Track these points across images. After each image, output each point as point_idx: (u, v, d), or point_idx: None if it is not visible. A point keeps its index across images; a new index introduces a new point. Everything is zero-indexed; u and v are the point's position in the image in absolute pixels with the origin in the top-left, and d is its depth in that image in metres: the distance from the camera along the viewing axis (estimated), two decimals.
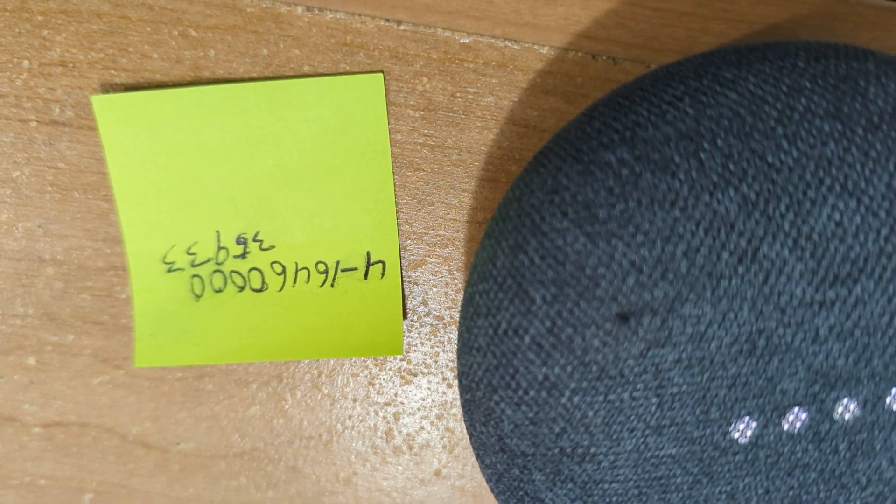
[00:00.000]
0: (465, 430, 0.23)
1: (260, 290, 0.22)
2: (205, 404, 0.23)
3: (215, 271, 0.22)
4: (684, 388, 0.16)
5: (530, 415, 0.17)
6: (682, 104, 0.16)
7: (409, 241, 0.22)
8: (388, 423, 0.23)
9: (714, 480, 0.16)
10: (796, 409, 0.15)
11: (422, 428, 0.23)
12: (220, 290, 0.22)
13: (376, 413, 0.23)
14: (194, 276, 0.22)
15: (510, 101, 0.21)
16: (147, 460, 0.24)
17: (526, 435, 0.17)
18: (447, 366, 0.23)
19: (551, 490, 0.17)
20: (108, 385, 0.23)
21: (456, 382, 0.23)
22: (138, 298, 0.22)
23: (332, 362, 0.23)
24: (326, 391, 0.23)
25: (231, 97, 0.21)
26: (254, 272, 0.22)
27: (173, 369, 0.23)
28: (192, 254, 0.22)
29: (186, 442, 0.23)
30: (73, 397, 0.23)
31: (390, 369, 0.23)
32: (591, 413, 0.16)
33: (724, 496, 0.16)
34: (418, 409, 0.23)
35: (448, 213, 0.22)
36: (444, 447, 0.23)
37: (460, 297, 0.22)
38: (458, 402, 0.23)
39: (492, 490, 0.19)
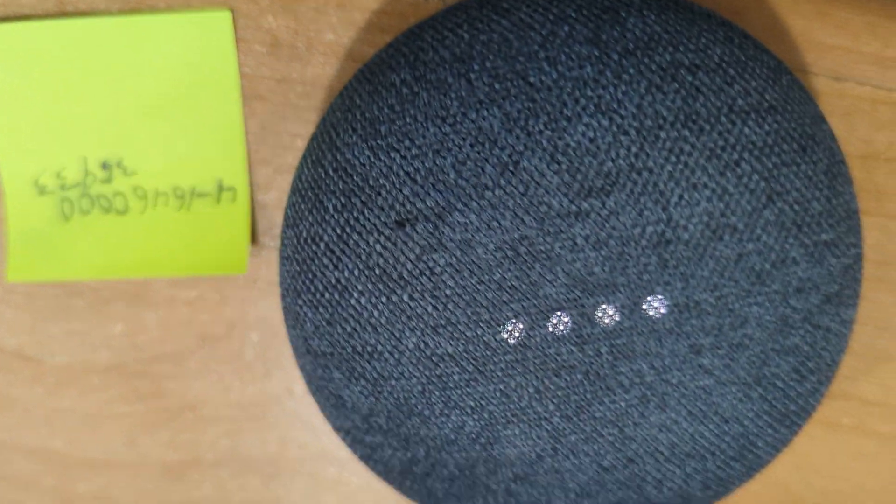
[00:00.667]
0: None
1: (123, 213, 0.24)
2: (76, 320, 0.25)
3: (83, 195, 0.24)
4: (456, 290, 0.17)
5: (326, 316, 0.18)
6: (461, 30, 0.18)
7: (258, 168, 0.24)
8: (241, 341, 0.25)
9: (488, 378, 0.17)
10: (559, 313, 0.17)
11: (272, 346, 0.25)
12: (87, 213, 0.24)
13: (231, 331, 0.25)
14: (64, 199, 0.24)
15: (349, 39, 0.23)
16: (25, 372, 0.25)
17: (324, 335, 0.18)
18: None
19: (347, 387, 0.19)
20: None
21: None
22: (12, 219, 0.24)
23: (189, 284, 0.24)
24: (185, 311, 0.25)
25: (91, 31, 0.23)
26: (118, 196, 0.24)
27: (46, 286, 0.25)
28: (62, 178, 0.24)
29: (60, 356, 0.25)
30: None
31: (242, 289, 0.24)
32: (375, 313, 0.18)
33: (498, 394, 0.17)
34: (268, 328, 0.25)
35: (294, 142, 0.23)
36: (295, 365, 0.25)
37: None
38: None
39: (309, 391, 0.21)
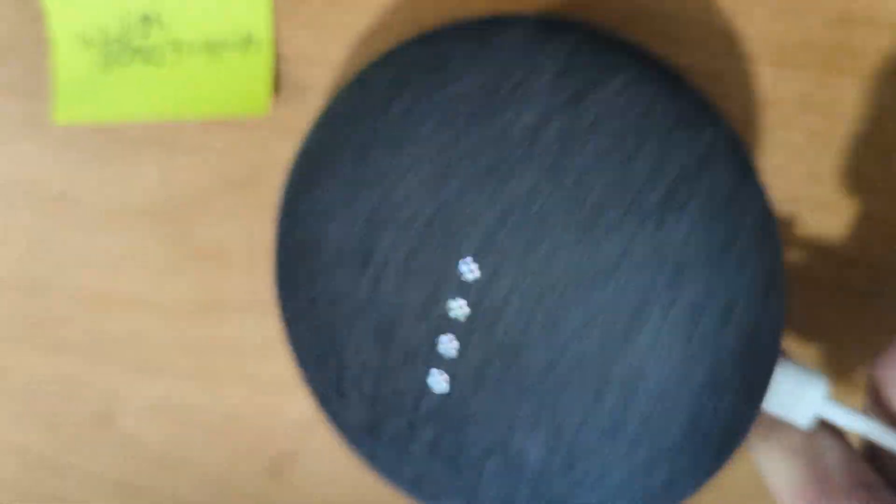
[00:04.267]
0: None
1: (160, 64, 0.26)
2: (113, 165, 0.28)
3: (124, 48, 0.26)
4: (385, 394, 0.19)
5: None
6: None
7: (280, 23, 0.26)
8: (263, 185, 0.27)
9: (466, 423, 0.18)
10: (436, 341, 0.18)
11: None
12: (127, 64, 0.27)
13: (254, 176, 0.27)
14: (107, 51, 0.27)
15: None
16: (66, 214, 0.28)
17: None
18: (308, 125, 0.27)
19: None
20: (34, 147, 0.27)
21: None
22: (60, 68, 0.27)
23: (218, 131, 0.27)
24: (213, 157, 0.27)
25: None
26: (156, 49, 0.26)
27: (88, 134, 0.27)
28: (105, 32, 0.26)
29: (98, 199, 0.28)
30: (4, 157, 0.28)
31: (264, 136, 0.27)
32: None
33: (480, 426, 0.18)
34: (284, 166, 0.27)
35: None
36: None
37: (324, 70, 0.26)
38: None
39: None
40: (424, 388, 0.18)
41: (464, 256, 0.18)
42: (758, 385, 0.17)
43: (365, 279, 0.18)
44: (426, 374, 0.18)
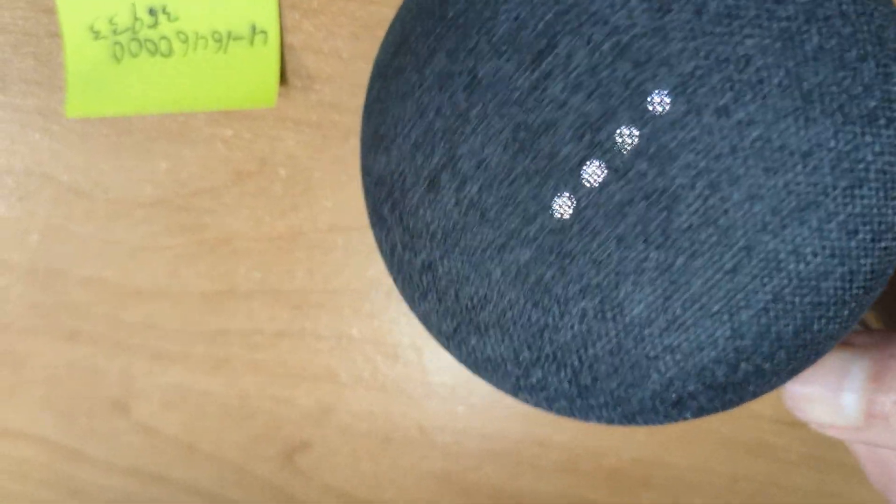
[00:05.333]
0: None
1: (168, 55, 0.26)
2: (124, 158, 0.28)
3: (132, 39, 0.27)
4: (496, 203, 0.18)
5: (447, 303, 0.19)
6: None
7: (287, 12, 0.26)
8: (270, 176, 0.27)
9: (573, 257, 0.17)
10: (586, 163, 0.17)
11: (299, 181, 0.27)
12: (136, 55, 0.27)
13: (262, 167, 0.27)
14: (115, 43, 0.27)
15: None
16: (79, 206, 0.28)
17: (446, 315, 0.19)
18: (315, 116, 0.27)
19: (486, 343, 0.19)
20: (47, 139, 0.28)
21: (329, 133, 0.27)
22: (70, 61, 0.27)
23: (226, 122, 0.27)
24: (221, 148, 0.27)
25: None
26: (163, 40, 0.26)
27: (98, 126, 0.27)
28: (114, 24, 0.27)
29: (111, 191, 0.28)
30: (18, 148, 0.28)
31: (272, 128, 0.27)
32: (466, 269, 0.18)
33: (590, 265, 0.17)
34: (295, 164, 0.27)
35: None
36: (319, 200, 0.27)
37: (330, 59, 0.26)
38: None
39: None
40: (545, 207, 0.17)
41: (660, 88, 0.16)
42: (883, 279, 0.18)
43: (527, 75, 0.17)
44: (555, 192, 0.17)
